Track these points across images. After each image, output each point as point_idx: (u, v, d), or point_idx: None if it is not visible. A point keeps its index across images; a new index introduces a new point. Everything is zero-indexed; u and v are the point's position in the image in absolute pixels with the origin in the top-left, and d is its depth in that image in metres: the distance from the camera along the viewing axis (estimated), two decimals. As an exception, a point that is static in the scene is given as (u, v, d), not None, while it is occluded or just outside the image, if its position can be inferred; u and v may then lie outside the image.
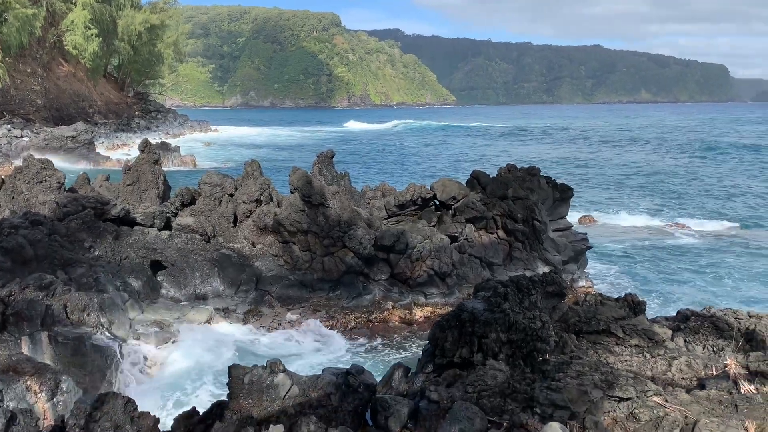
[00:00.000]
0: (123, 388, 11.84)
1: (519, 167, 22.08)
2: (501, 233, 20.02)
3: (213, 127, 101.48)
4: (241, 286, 17.56)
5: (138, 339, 14.29)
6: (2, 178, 19.46)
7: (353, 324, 16.99)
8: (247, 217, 19.08)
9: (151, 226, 17.84)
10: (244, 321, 16.74)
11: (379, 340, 16.34)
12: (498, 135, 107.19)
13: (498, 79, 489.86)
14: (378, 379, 8.48)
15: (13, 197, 18.69)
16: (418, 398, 7.36)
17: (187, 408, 7.29)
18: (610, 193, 43.21)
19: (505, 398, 6.93)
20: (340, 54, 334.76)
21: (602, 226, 31.23)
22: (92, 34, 74.63)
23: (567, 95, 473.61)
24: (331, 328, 16.65)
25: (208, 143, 79.01)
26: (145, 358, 13.78)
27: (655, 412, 6.63)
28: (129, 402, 6.64)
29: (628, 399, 6.80)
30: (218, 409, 7.12)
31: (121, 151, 61.67)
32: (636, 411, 6.66)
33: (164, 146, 52.66)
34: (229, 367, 7.44)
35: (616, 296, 10.24)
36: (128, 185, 21.46)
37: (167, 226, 18.17)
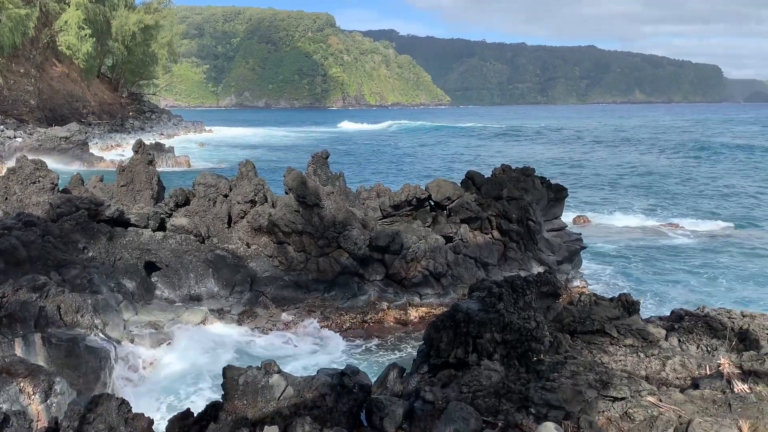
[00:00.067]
0: (117, 390, 11.80)
1: (513, 167, 22.13)
2: (496, 233, 20.05)
3: (207, 128, 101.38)
4: (235, 287, 17.53)
5: (132, 340, 14.25)
6: (-5, 179, 19.36)
7: (348, 325, 16.98)
8: (242, 217, 19.05)
9: (146, 227, 17.79)
10: (239, 322, 16.70)
11: (374, 341, 16.33)
12: (492, 135, 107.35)
13: (492, 80, 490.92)
14: (373, 379, 8.48)
15: (7, 198, 18.60)
16: (413, 399, 7.36)
17: (182, 409, 7.27)
18: (604, 193, 43.32)
19: (499, 398, 6.94)
20: (334, 54, 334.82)
21: (596, 226, 31.32)
22: (86, 35, 74.34)
23: (561, 96, 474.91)
24: (326, 328, 16.63)
25: (202, 144, 78.89)
26: (140, 360, 13.74)
27: (649, 411, 6.65)
28: (123, 403, 6.62)
29: (622, 399, 6.82)
30: (213, 410, 7.10)
31: (115, 151, 61.52)
32: (630, 410, 6.67)
33: (158, 147, 52.56)
34: (224, 368, 7.43)
35: (610, 296, 10.27)
36: (122, 186, 21.39)
37: (161, 227, 18.13)
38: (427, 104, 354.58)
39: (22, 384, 8.51)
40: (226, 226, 18.99)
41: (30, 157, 20.19)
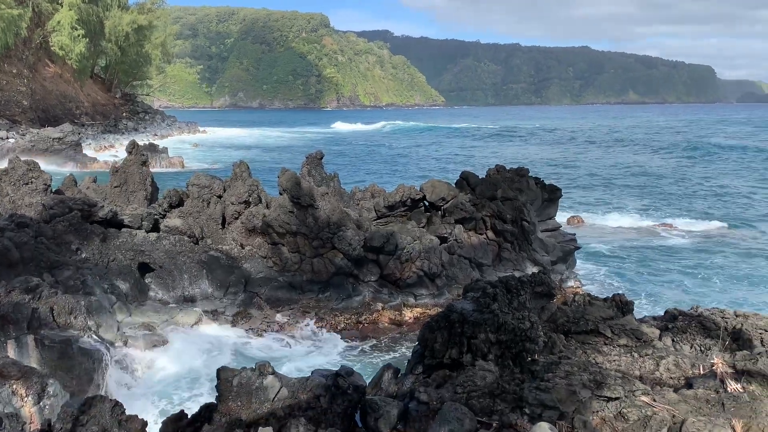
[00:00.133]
0: (110, 392, 11.75)
1: (508, 168, 22.16)
2: (490, 234, 20.07)
3: (201, 128, 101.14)
4: (229, 288, 17.49)
5: (126, 342, 14.19)
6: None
7: (343, 325, 16.97)
8: (236, 218, 19.01)
9: (139, 228, 17.73)
10: (233, 323, 16.67)
11: (368, 342, 16.32)
12: (487, 136, 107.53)
13: (487, 80, 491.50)
14: (367, 380, 8.47)
15: (-1, 199, 18.51)
16: (408, 399, 7.35)
17: (176, 411, 7.25)
18: (598, 193, 43.43)
19: (494, 399, 6.94)
20: (329, 55, 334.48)
21: (591, 226, 31.39)
22: (79, 35, 74.10)
23: (555, 96, 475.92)
24: (321, 329, 16.61)
25: (196, 144, 78.66)
26: (133, 361, 13.69)
27: (643, 411, 6.66)
28: (116, 405, 6.59)
29: (616, 398, 6.84)
30: (207, 411, 7.08)
31: (108, 152, 61.33)
32: (624, 410, 6.69)
33: (152, 147, 52.35)
34: (218, 370, 7.41)
35: (604, 296, 10.29)
36: (116, 187, 21.33)
37: (155, 227, 18.07)
38: (422, 105, 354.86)
39: (14, 386, 8.46)
40: (220, 227, 18.95)
41: (23, 158, 20.10)
